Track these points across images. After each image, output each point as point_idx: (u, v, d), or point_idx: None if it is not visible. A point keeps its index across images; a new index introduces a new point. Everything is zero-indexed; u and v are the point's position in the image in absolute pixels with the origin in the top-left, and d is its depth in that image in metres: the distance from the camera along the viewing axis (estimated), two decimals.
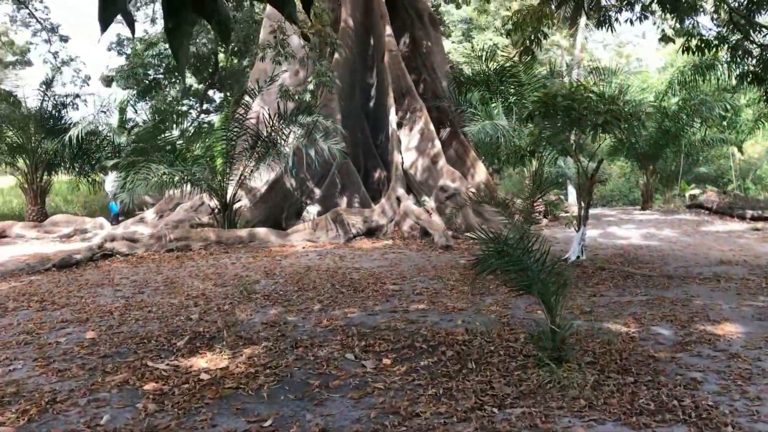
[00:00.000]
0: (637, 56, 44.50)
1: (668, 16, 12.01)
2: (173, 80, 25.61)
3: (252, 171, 13.09)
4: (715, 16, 13.68)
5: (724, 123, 20.54)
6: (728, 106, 18.44)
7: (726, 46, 10.66)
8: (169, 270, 9.39)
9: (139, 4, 25.23)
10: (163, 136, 13.23)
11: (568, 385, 4.25)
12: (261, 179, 14.21)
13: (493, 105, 14.03)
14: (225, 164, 12.78)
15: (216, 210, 13.07)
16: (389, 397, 4.18)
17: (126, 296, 7.52)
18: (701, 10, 12.13)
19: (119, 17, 1.88)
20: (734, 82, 14.24)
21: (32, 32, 26.09)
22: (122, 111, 17.51)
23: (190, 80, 27.99)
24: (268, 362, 4.90)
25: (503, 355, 5.02)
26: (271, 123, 12.90)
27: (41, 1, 24.79)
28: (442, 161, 15.19)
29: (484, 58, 15.60)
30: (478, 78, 15.84)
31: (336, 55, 15.81)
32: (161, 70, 24.96)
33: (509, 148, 12.13)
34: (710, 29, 12.50)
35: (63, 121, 16.84)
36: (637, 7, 11.56)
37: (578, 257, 9.83)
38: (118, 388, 4.39)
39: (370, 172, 16.25)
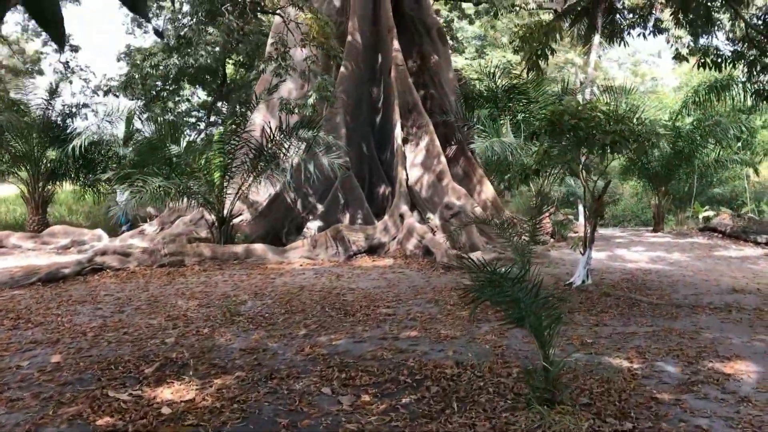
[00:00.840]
0: (652, 75, 44.18)
1: (683, 32, 11.72)
2: (174, 89, 25.48)
3: (251, 185, 12.79)
4: (731, 34, 13.35)
5: (739, 144, 20.05)
6: (743, 128, 17.96)
7: (742, 61, 10.34)
8: (157, 287, 9.07)
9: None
10: (164, 148, 12.97)
11: (559, 431, 3.87)
12: (263, 193, 13.93)
13: (501, 122, 13.71)
14: (222, 177, 12.47)
15: (213, 224, 12.77)
16: None
17: (105, 315, 7.20)
18: (718, 23, 11.82)
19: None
20: (750, 102, 13.84)
21: (43, 42, 26.15)
22: (128, 122, 17.29)
23: (199, 92, 27.90)
24: (237, 395, 4.55)
25: (492, 393, 4.63)
26: (271, 136, 12.63)
27: None
28: (447, 178, 14.84)
29: (491, 75, 15.26)
30: (486, 94, 15.53)
31: (342, 69, 15.57)
32: (158, 81, 24.84)
33: (516, 166, 11.82)
34: (726, 46, 12.18)
35: (68, 131, 16.66)
36: (650, 23, 11.27)
37: (583, 281, 9.42)
38: (68, 422, 4.04)
39: (374, 187, 15.89)
